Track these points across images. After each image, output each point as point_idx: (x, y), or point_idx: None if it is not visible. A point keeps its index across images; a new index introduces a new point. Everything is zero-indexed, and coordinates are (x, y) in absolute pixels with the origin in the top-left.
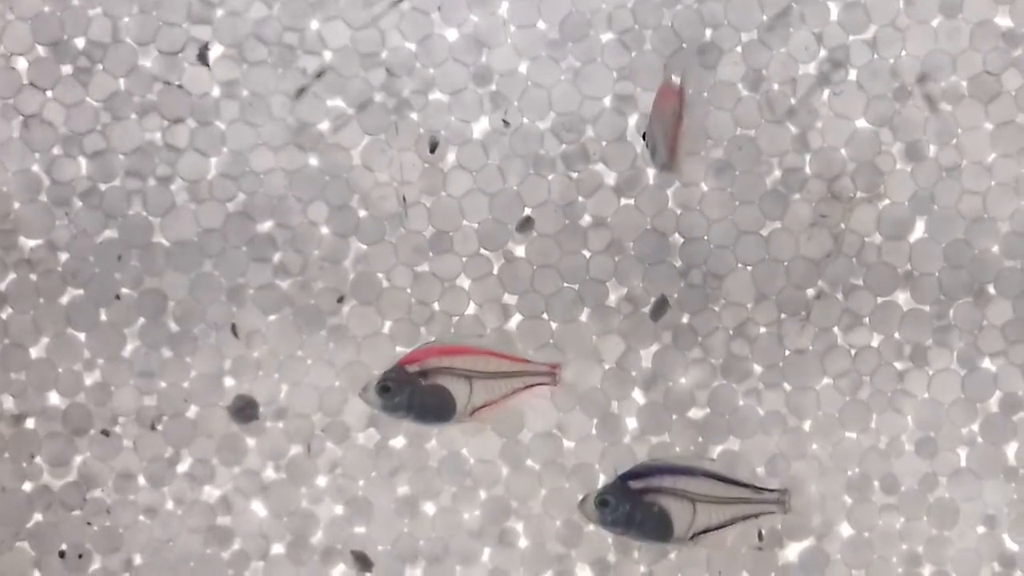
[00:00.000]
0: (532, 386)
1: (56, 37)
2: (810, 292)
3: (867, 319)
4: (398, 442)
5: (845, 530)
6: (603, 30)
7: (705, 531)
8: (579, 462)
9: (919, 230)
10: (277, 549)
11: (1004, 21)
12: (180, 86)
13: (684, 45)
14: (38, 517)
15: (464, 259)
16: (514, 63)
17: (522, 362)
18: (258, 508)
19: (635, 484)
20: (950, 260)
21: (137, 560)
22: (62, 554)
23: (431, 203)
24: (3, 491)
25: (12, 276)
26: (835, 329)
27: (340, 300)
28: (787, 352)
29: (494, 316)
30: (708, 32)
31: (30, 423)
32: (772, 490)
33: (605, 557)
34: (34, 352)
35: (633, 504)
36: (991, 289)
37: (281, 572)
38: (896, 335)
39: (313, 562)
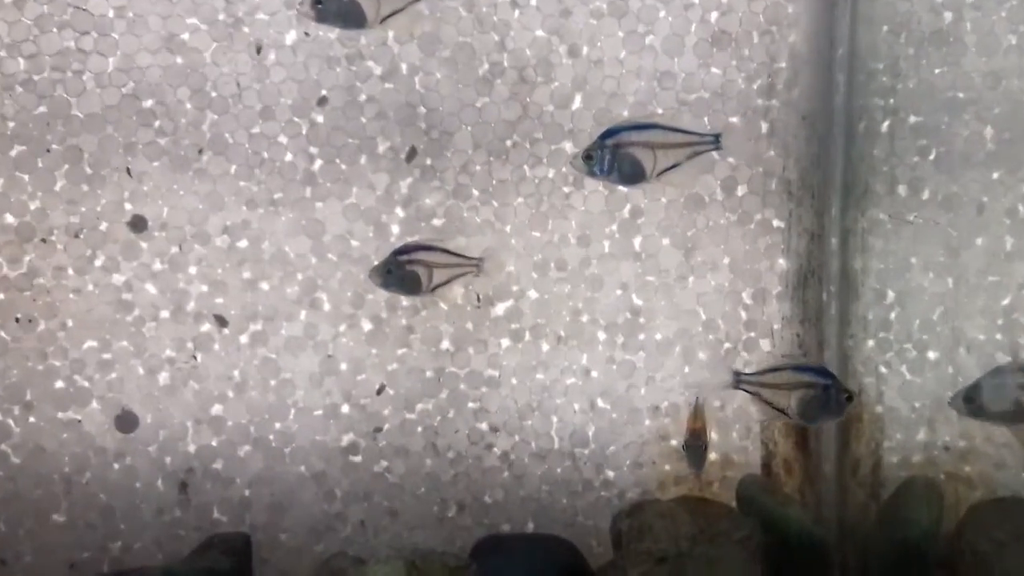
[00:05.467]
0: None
1: None
2: (508, 142)
3: (545, 159)
4: (242, 243)
5: (533, 294)
6: None
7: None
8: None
9: (577, 102)
10: (164, 314)
11: None
12: (85, 9)
13: None
14: (0, 296)
15: None
16: None
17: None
18: (150, 288)
19: (402, 258)
20: (597, 120)
21: (69, 323)
22: (17, 319)
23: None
24: None
25: None
26: (525, 166)
27: (200, 152)
28: (495, 181)
29: (303, 161)
30: None
31: None
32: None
33: (380, 314)
34: None
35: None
36: None
37: (164, 332)
38: (563, 170)
39: (188, 323)
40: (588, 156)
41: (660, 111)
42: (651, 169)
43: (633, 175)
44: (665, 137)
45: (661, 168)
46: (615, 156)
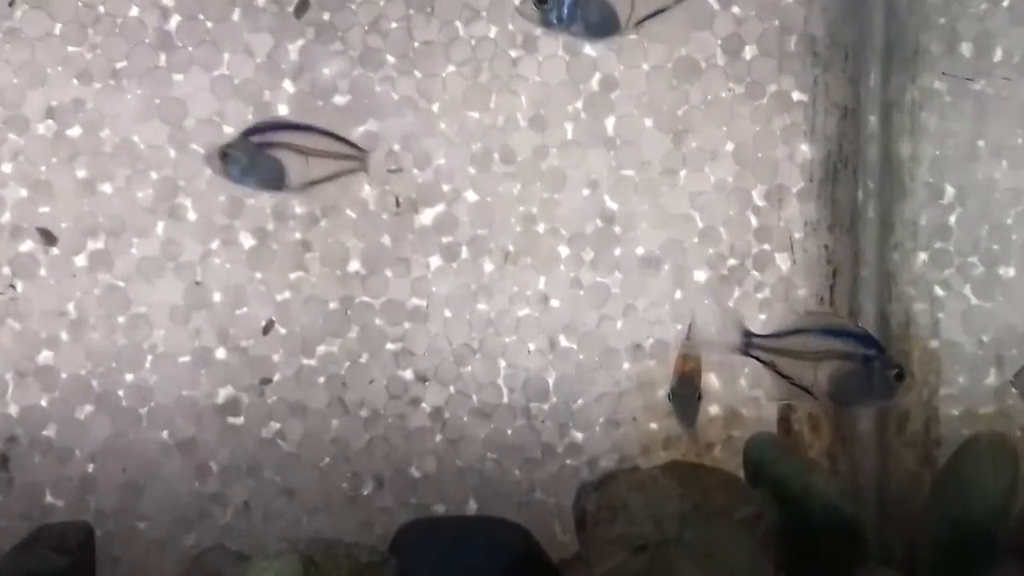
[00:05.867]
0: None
1: None
2: None
3: (484, 12)
4: (74, 132)
5: (471, 196)
6: None
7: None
8: None
9: None
10: None
11: None
12: None
13: None
14: None
15: None
16: None
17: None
18: None
19: (256, 139)
20: None
21: None
22: None
23: None
24: None
25: None
26: (457, 23)
27: (10, 4)
28: (416, 43)
29: (154, 17)
30: None
31: None
32: (358, 148)
33: (264, 226)
34: None
35: (253, 156)
36: None
37: None
38: (510, 26)
39: (2, 240)
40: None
41: None
42: (626, 16)
43: (603, 24)
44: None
45: (640, 15)
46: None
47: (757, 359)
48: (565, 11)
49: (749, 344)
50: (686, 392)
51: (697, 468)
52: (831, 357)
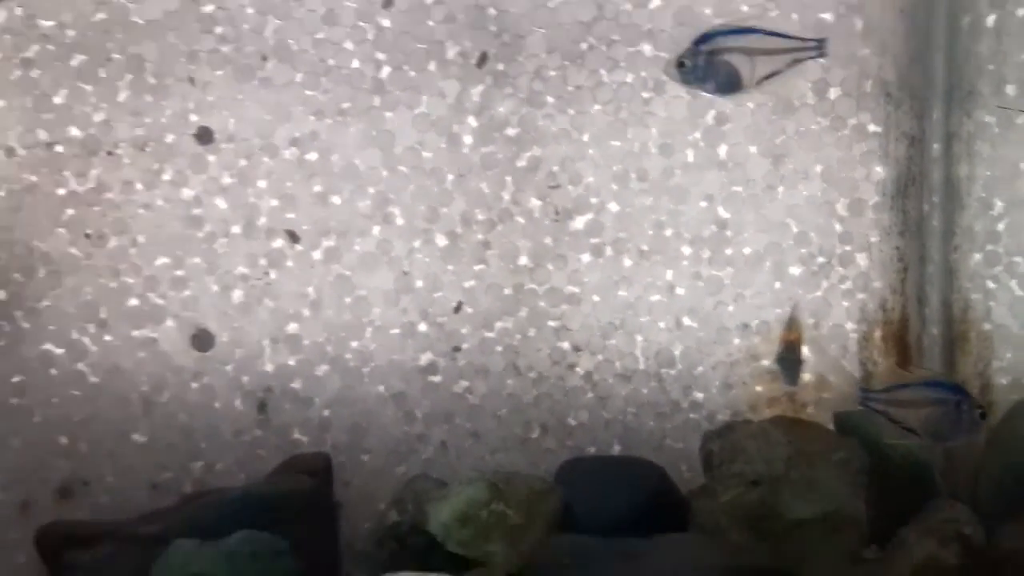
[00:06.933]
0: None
1: None
2: (583, 45)
3: (623, 63)
4: (311, 156)
5: (613, 207)
6: None
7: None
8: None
9: (655, 1)
10: (235, 230)
11: None
12: None
13: None
14: (69, 211)
15: None
16: None
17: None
18: (220, 203)
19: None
20: (677, 20)
21: (140, 239)
22: (88, 235)
23: None
24: (44, 195)
25: (36, 47)
26: (602, 71)
27: (264, 59)
28: (570, 87)
29: (371, 68)
30: None
31: (59, 148)
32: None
33: (455, 229)
34: (57, 99)
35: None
36: None
37: (237, 248)
38: (643, 74)
39: (260, 239)
40: (681, 63)
41: (745, 8)
42: (749, 77)
43: (730, 84)
44: (764, 43)
45: (760, 76)
46: (710, 63)
47: (874, 410)
48: (700, 73)
49: (867, 399)
50: (791, 357)
51: (797, 422)
52: (930, 404)
